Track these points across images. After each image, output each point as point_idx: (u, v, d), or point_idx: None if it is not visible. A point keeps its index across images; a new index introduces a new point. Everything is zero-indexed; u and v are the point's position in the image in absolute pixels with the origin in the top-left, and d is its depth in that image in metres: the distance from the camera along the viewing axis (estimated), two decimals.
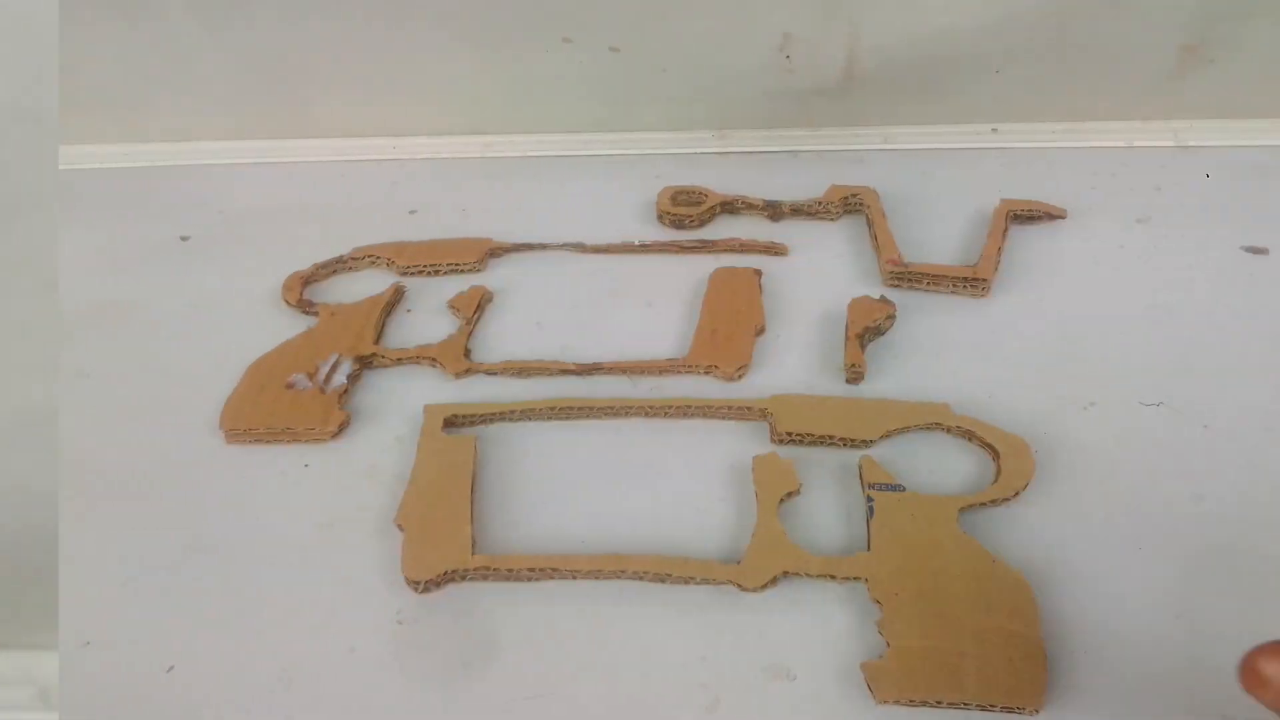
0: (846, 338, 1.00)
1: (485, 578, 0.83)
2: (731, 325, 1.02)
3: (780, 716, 0.74)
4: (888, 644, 0.72)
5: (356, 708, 0.76)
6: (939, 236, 1.14)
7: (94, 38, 1.27)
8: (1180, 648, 0.76)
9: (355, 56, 1.28)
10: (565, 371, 1.00)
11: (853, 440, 0.90)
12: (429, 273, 1.13)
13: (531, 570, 0.82)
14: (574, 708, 0.75)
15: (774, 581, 0.81)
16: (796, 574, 0.78)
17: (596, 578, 0.82)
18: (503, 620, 0.80)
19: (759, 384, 0.97)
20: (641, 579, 0.82)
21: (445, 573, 0.82)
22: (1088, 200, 1.19)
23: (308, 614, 0.81)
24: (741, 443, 0.92)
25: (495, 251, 1.16)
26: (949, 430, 0.90)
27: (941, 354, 0.98)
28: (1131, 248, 1.12)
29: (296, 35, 1.25)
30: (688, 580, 0.81)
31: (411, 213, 1.24)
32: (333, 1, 1.21)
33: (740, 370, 0.97)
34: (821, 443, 0.91)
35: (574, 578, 0.82)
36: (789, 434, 0.90)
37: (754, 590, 0.80)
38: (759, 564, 0.81)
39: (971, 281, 1.04)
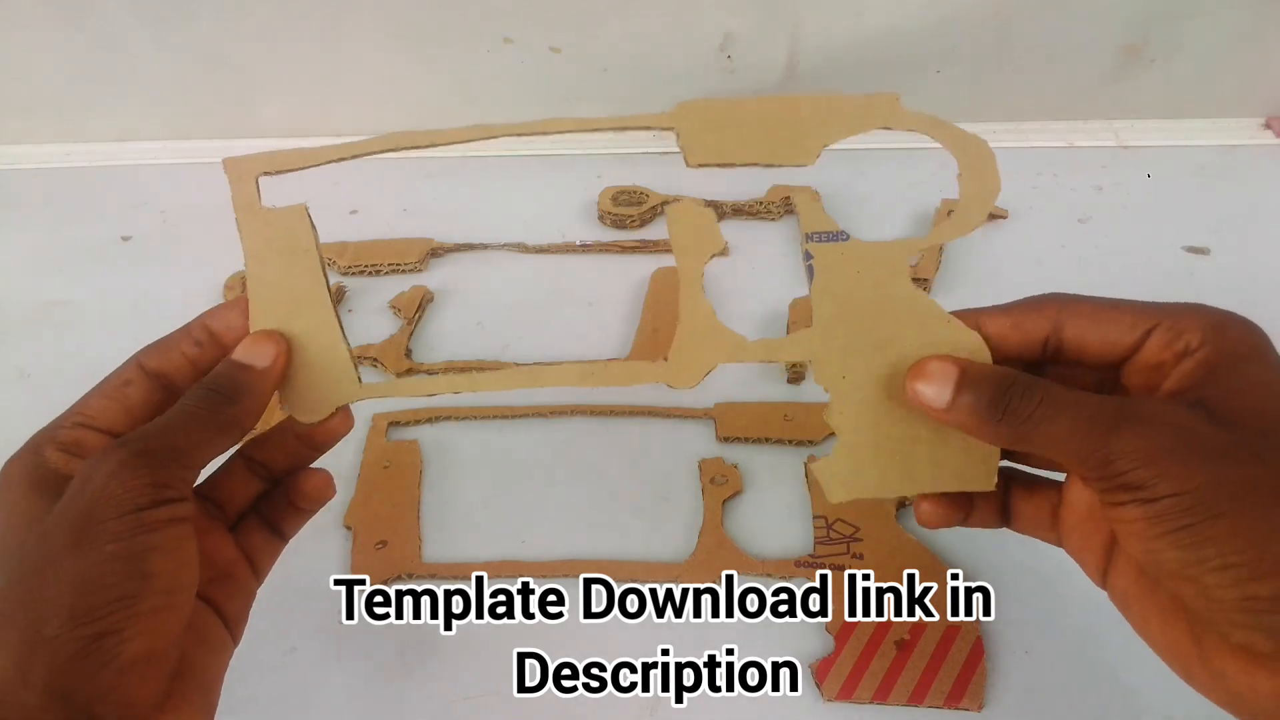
0: (788, 329, 1.00)
1: (432, 577, 0.83)
2: (673, 325, 1.01)
3: (722, 716, 0.74)
4: (838, 436, 0.64)
5: (298, 708, 0.75)
6: (880, 236, 1.14)
7: (33, 37, 1.26)
8: (1123, 647, 0.76)
9: (296, 55, 1.27)
10: None
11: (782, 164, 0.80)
12: (370, 273, 1.13)
13: (480, 575, 0.82)
14: (517, 708, 0.75)
15: (721, 579, 0.81)
16: (734, 361, 0.67)
17: (542, 576, 0.82)
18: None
19: (701, 383, 0.97)
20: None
21: (394, 575, 0.82)
22: (1029, 200, 1.19)
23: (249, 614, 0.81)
24: (688, 441, 0.92)
25: (436, 252, 1.16)
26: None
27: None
28: (1073, 247, 1.12)
29: (238, 35, 1.25)
30: (632, 580, 0.82)
31: (352, 213, 1.24)
32: (274, 1, 1.21)
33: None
34: (764, 442, 0.91)
35: (519, 577, 0.83)
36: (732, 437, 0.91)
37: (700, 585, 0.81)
38: (705, 562, 0.82)
39: (913, 281, 1.04)
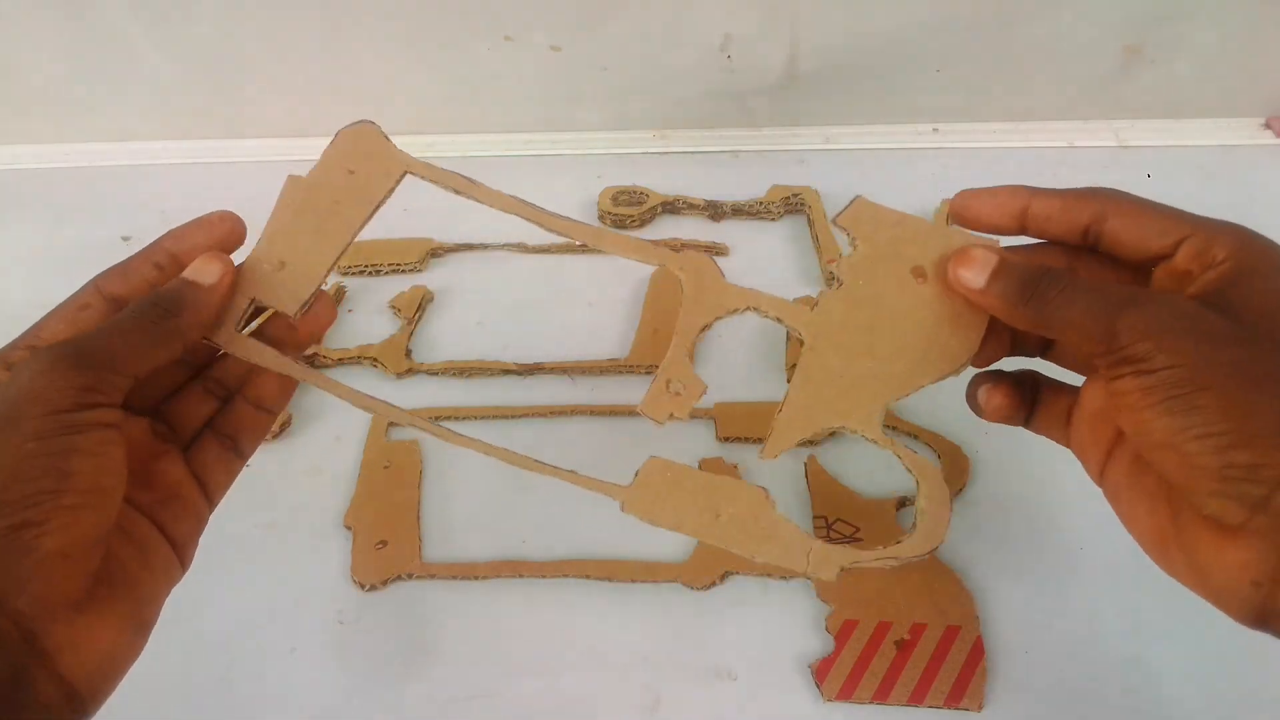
0: (788, 338, 1.00)
1: (432, 577, 0.83)
2: (672, 325, 1.01)
3: (721, 716, 0.74)
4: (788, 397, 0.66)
5: (297, 708, 0.76)
6: None
7: (33, 37, 1.26)
8: (1121, 647, 0.76)
9: (296, 55, 1.27)
10: (506, 371, 1.00)
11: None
12: (370, 273, 1.13)
13: (479, 574, 0.82)
14: (515, 707, 0.75)
15: (721, 579, 0.81)
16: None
17: (542, 577, 0.83)
18: (445, 620, 0.81)
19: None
20: (587, 579, 0.82)
21: (394, 575, 0.82)
22: None
23: (249, 614, 0.81)
24: (688, 441, 0.92)
25: (436, 251, 1.16)
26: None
27: None
28: None
29: (237, 35, 1.25)
30: (632, 580, 0.82)
31: None
32: (274, 1, 1.21)
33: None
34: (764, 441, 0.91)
35: (519, 577, 0.83)
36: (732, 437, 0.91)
37: (701, 588, 0.81)
38: (705, 562, 0.82)
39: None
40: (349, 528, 0.87)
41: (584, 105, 1.33)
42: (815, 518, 0.86)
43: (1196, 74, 1.26)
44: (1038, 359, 0.69)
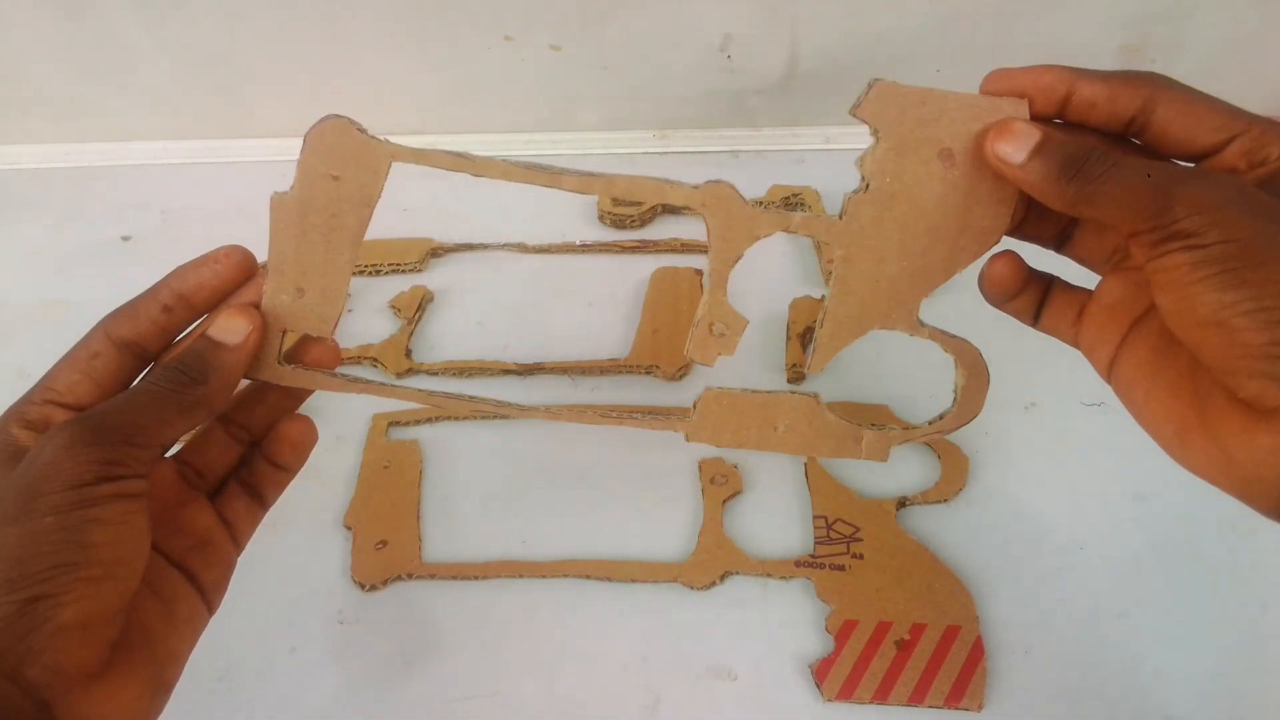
0: (788, 337, 1.00)
1: (432, 577, 0.83)
2: (672, 325, 1.02)
3: (721, 716, 0.74)
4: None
5: (298, 708, 0.76)
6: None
7: (34, 37, 1.26)
8: (1122, 647, 0.76)
9: (296, 55, 1.27)
10: (506, 371, 1.00)
11: None
12: (370, 273, 1.13)
13: (479, 574, 0.83)
14: (515, 707, 0.75)
15: (721, 579, 0.81)
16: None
17: (542, 577, 0.83)
18: (444, 620, 0.80)
19: (700, 383, 0.97)
20: (587, 579, 0.82)
21: (394, 575, 0.82)
22: None
23: (248, 614, 0.81)
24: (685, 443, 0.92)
25: (436, 251, 1.16)
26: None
27: (883, 355, 0.98)
28: None
29: (237, 34, 1.25)
30: (632, 580, 0.82)
31: None
32: (274, 1, 1.21)
33: (681, 370, 0.97)
34: None
35: (519, 577, 0.83)
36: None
37: (700, 588, 0.81)
38: (705, 562, 0.82)
39: None
40: (349, 528, 0.87)
41: (584, 105, 1.33)
42: (815, 518, 0.86)
43: (1196, 74, 1.25)
44: (1051, 255, 0.68)
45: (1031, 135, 0.60)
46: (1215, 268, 0.51)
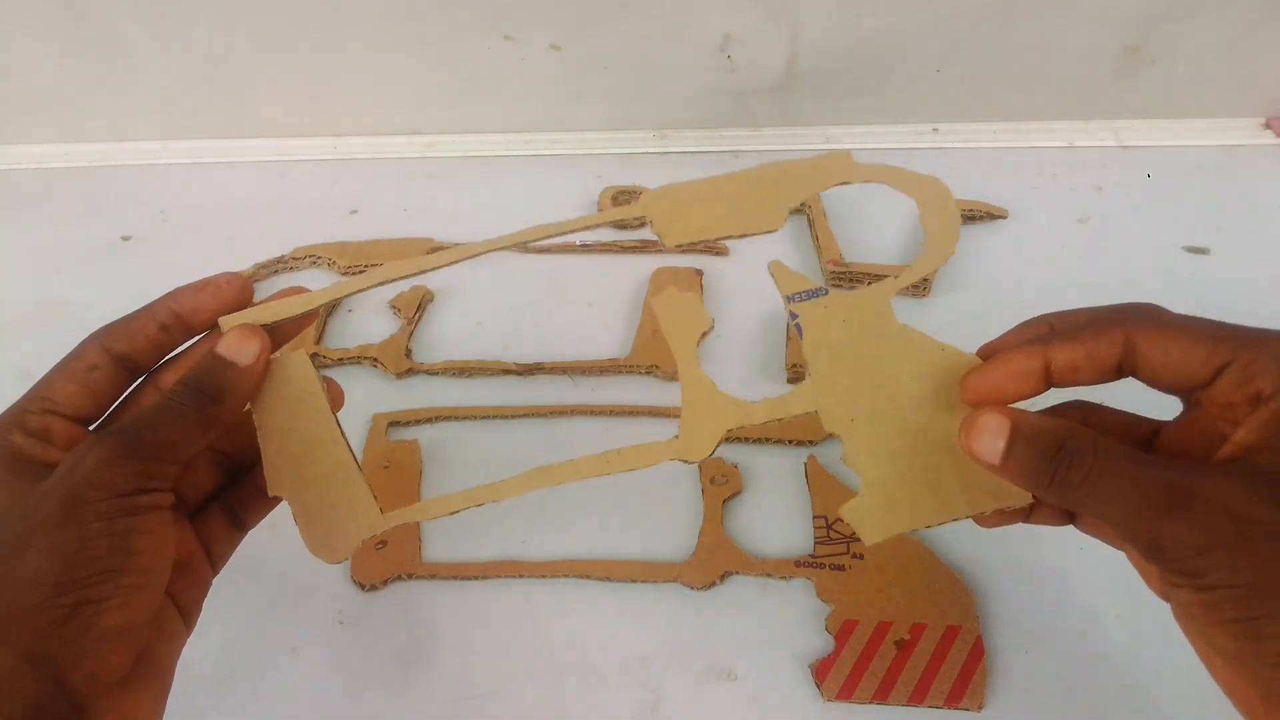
0: (788, 337, 1.00)
1: (432, 577, 0.83)
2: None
3: (721, 716, 0.74)
4: (861, 477, 0.64)
5: (298, 708, 0.76)
6: (880, 236, 1.15)
7: (33, 37, 1.26)
8: (1122, 647, 0.76)
9: (296, 56, 1.27)
10: (506, 371, 1.00)
11: (753, 233, 0.77)
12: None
13: (479, 574, 0.83)
14: (515, 707, 0.75)
15: (721, 579, 0.81)
16: (742, 426, 0.68)
17: (542, 577, 0.83)
18: (444, 620, 0.81)
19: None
20: (587, 579, 0.82)
21: (394, 575, 0.82)
22: (1029, 200, 1.19)
23: (248, 615, 0.81)
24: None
25: (436, 251, 1.15)
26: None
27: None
28: (1073, 247, 1.12)
29: (237, 35, 1.25)
30: (632, 580, 0.82)
31: (353, 213, 1.24)
32: (274, 1, 1.21)
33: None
34: (764, 441, 0.91)
35: (519, 577, 0.83)
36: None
37: (700, 588, 0.81)
38: (705, 562, 0.82)
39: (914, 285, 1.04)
40: None
41: (584, 105, 1.33)
42: (815, 518, 0.86)
43: (1196, 74, 1.26)
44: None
45: (1001, 428, 0.58)
46: (1228, 613, 0.49)
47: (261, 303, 0.68)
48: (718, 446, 0.68)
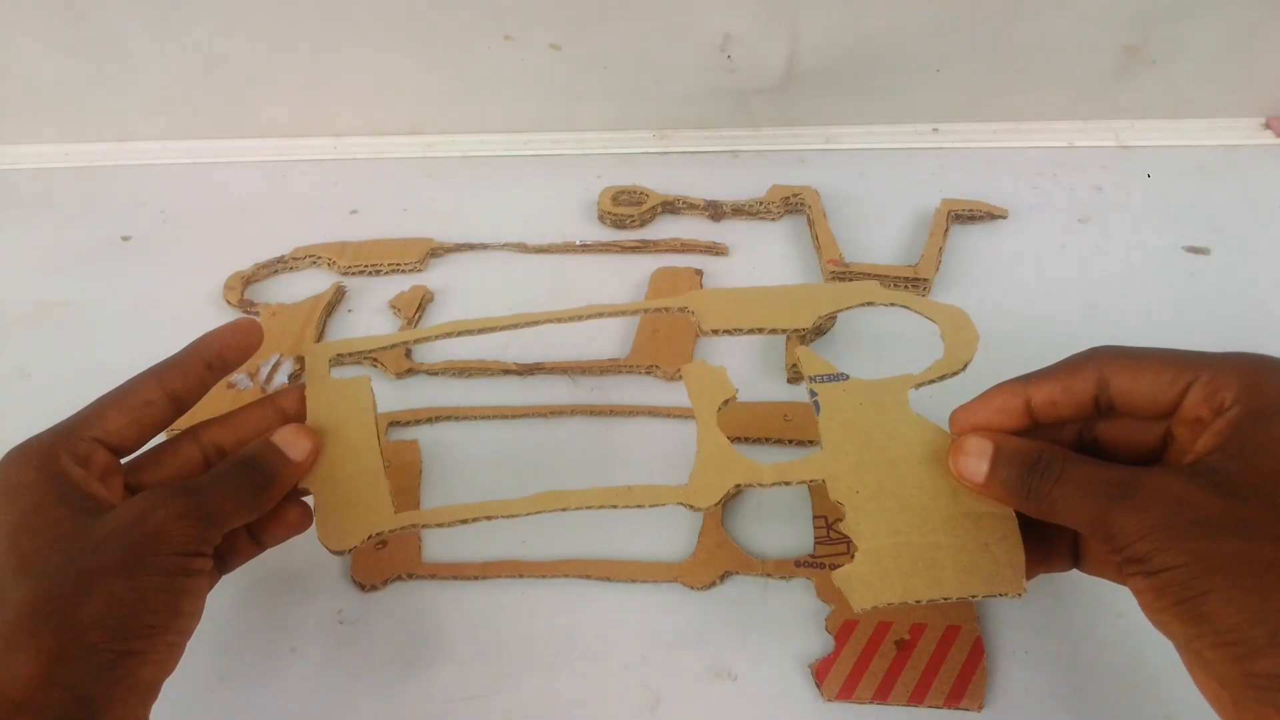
0: (788, 337, 1.00)
1: (433, 577, 0.83)
2: (672, 325, 1.02)
3: (721, 716, 0.74)
4: (856, 547, 0.67)
5: (298, 708, 0.76)
6: (880, 236, 1.15)
7: (33, 37, 1.26)
8: (1122, 647, 0.76)
9: (296, 56, 1.27)
10: (506, 371, 1.00)
11: (782, 330, 0.84)
12: (370, 272, 1.13)
13: (479, 574, 0.83)
14: (515, 707, 0.75)
15: (721, 579, 0.81)
16: (750, 485, 0.72)
17: (542, 577, 0.83)
18: (444, 620, 0.81)
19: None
20: (587, 579, 0.82)
21: (394, 575, 0.82)
22: (1029, 200, 1.19)
23: (248, 614, 0.81)
24: (688, 441, 0.92)
25: (436, 251, 1.16)
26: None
27: (883, 353, 0.98)
28: (1073, 247, 1.12)
29: (237, 35, 1.25)
30: (632, 580, 0.82)
31: (352, 213, 1.24)
32: (274, 1, 1.21)
33: (681, 370, 0.97)
34: (764, 441, 0.91)
35: (519, 577, 0.83)
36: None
37: (700, 588, 0.81)
38: (705, 562, 0.82)
39: (913, 281, 1.04)
40: None
41: (584, 105, 1.33)
42: (815, 518, 0.86)
43: (1196, 74, 1.26)
44: None
45: (984, 449, 0.63)
46: (1173, 596, 0.51)
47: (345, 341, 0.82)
48: (724, 499, 0.72)
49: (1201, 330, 1.00)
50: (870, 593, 0.65)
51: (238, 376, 0.97)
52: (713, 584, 0.81)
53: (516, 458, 0.93)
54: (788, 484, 0.71)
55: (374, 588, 0.82)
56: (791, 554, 0.83)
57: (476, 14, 1.21)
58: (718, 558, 0.82)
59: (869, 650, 0.76)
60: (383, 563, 0.84)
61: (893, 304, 0.82)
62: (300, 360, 1.00)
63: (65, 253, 1.21)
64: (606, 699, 0.75)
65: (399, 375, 1.00)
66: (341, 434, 0.76)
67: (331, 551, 0.70)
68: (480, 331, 0.84)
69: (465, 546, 0.85)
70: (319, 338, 1.04)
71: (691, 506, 0.71)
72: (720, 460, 0.73)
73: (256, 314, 1.07)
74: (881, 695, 0.73)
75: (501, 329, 0.85)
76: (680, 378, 0.94)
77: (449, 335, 0.84)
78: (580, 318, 0.84)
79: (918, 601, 0.64)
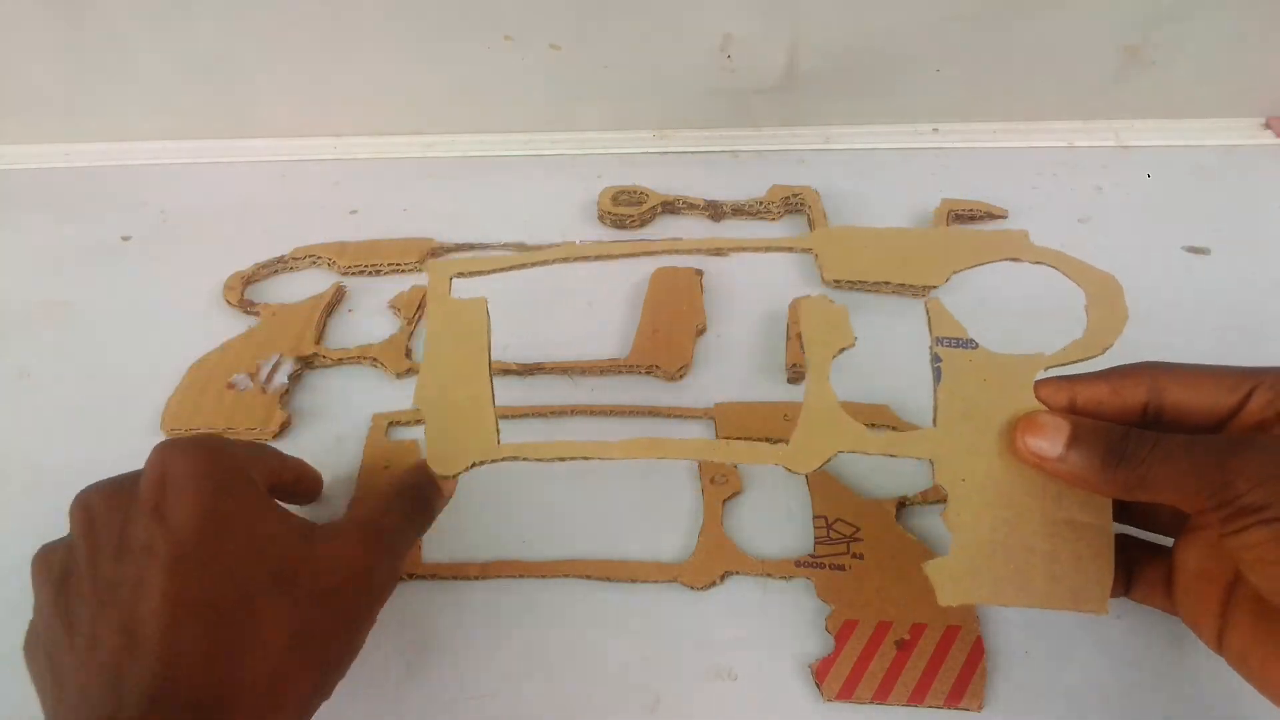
0: (788, 337, 1.00)
1: (433, 577, 0.83)
2: (672, 325, 1.02)
3: (721, 716, 0.74)
4: (953, 537, 0.66)
5: None
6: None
7: (33, 37, 1.26)
8: (1122, 647, 0.76)
9: (296, 55, 1.27)
10: (506, 372, 1.00)
11: (911, 286, 0.85)
12: (370, 273, 1.13)
13: (479, 574, 0.83)
14: (515, 707, 0.75)
15: (721, 579, 0.81)
16: (854, 452, 0.70)
17: (542, 577, 0.83)
18: (445, 620, 0.80)
19: (700, 384, 0.97)
20: (587, 579, 0.82)
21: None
22: (1029, 200, 1.19)
23: None
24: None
25: (436, 252, 1.16)
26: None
27: (884, 354, 0.98)
28: (1073, 248, 1.11)
29: (237, 34, 1.25)
30: (632, 580, 0.82)
31: (353, 213, 1.24)
32: (274, 1, 1.21)
33: (681, 370, 0.97)
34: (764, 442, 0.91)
35: (519, 577, 0.83)
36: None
37: (700, 588, 0.81)
38: (705, 562, 0.82)
39: (914, 288, 1.04)
40: None
41: (584, 105, 1.33)
42: (815, 517, 0.85)
43: (1196, 74, 1.26)
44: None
45: (1060, 427, 0.61)
46: None
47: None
48: (825, 464, 0.69)
49: (1201, 330, 1.00)
50: (959, 590, 0.65)
51: (238, 377, 0.97)
52: (712, 584, 0.81)
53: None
54: (893, 456, 0.69)
55: None
56: (791, 554, 0.83)
57: (476, 14, 1.21)
58: (717, 558, 0.82)
59: (869, 650, 0.76)
60: None
61: (1039, 262, 0.80)
62: (300, 360, 1.00)
63: (65, 253, 1.20)
64: (606, 699, 0.75)
65: (399, 375, 1.00)
66: (455, 357, 0.79)
67: (439, 475, 0.74)
68: (597, 258, 0.88)
69: (465, 546, 0.85)
70: (319, 338, 1.04)
71: (791, 469, 0.70)
72: (826, 421, 0.71)
73: (257, 314, 1.06)
74: (881, 695, 0.73)
75: (619, 257, 0.89)
76: (680, 377, 0.95)
77: (565, 260, 0.88)
78: (653, 252, 0.89)
79: (1002, 604, 0.65)
